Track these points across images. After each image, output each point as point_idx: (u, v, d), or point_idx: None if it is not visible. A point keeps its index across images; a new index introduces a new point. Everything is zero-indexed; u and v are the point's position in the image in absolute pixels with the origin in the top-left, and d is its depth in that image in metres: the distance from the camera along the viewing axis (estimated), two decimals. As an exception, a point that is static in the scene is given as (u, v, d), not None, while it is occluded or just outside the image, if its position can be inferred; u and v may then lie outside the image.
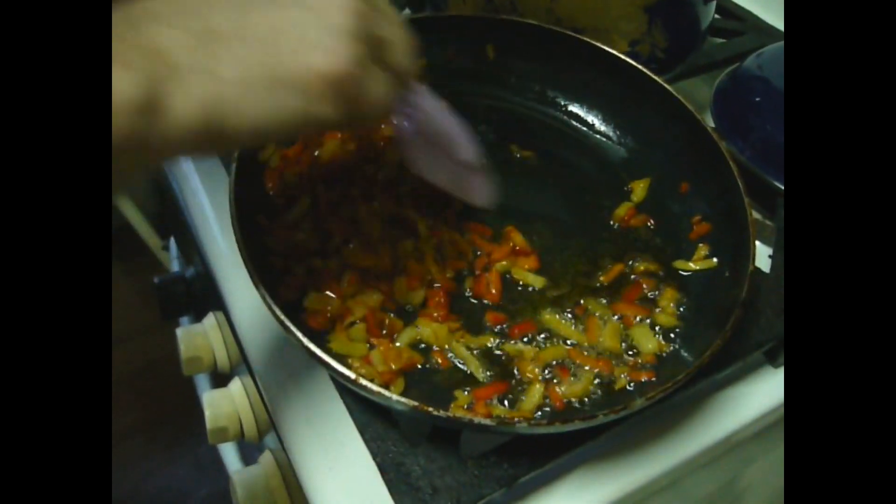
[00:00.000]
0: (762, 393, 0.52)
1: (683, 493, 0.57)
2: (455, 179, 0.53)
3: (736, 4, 0.87)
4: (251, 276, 0.43)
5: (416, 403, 0.38)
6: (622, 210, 0.58)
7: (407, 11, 0.78)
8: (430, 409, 0.38)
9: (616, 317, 0.51)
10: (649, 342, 0.49)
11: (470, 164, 0.52)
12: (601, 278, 0.53)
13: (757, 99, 0.64)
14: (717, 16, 0.81)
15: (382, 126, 0.57)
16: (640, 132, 0.62)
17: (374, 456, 0.42)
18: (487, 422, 0.39)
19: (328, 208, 0.52)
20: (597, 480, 0.46)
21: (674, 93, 0.59)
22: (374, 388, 0.39)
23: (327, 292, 0.48)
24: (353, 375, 0.39)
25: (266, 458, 0.55)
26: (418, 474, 0.41)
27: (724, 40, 0.81)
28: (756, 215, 0.63)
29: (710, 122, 0.65)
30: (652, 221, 0.57)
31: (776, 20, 0.84)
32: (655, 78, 0.59)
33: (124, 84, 0.29)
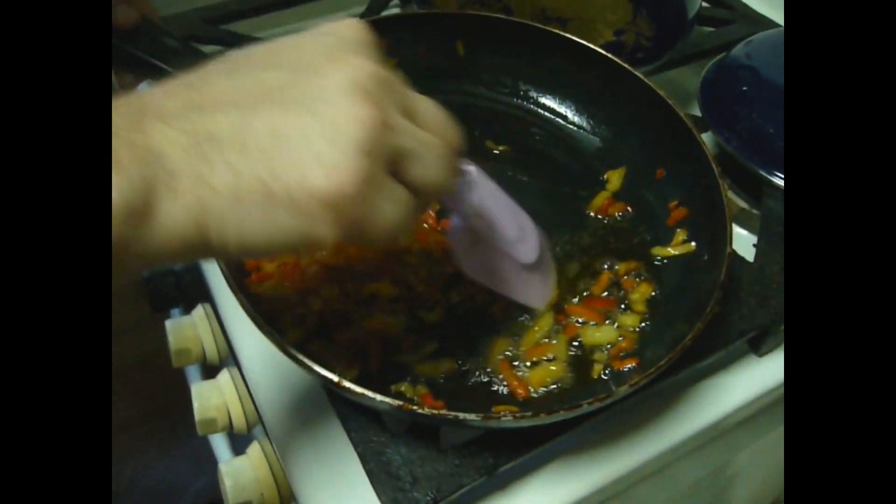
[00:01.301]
0: (745, 382, 0.52)
1: (671, 481, 0.58)
2: (508, 279, 0.48)
3: (725, -7, 0.87)
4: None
5: (399, 403, 0.38)
6: (599, 200, 0.58)
7: (397, 9, 0.78)
8: (415, 407, 0.38)
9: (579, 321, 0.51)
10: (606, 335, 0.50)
11: (527, 265, 0.47)
12: (592, 288, 0.53)
13: (744, 88, 0.64)
14: (705, 4, 0.81)
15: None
16: (613, 121, 0.62)
17: (356, 446, 0.42)
18: (472, 417, 0.38)
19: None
20: (579, 469, 0.46)
21: (645, 80, 0.59)
22: (358, 389, 0.38)
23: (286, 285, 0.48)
24: (335, 378, 0.39)
25: (254, 449, 0.55)
26: (399, 464, 0.41)
27: (712, 29, 0.81)
28: (742, 204, 0.63)
29: (696, 111, 0.65)
30: (629, 209, 0.58)
31: (765, 9, 0.84)
32: (627, 67, 0.59)
33: (117, 191, 0.28)
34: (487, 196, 0.44)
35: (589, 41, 0.60)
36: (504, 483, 0.44)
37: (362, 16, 0.74)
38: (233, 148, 0.30)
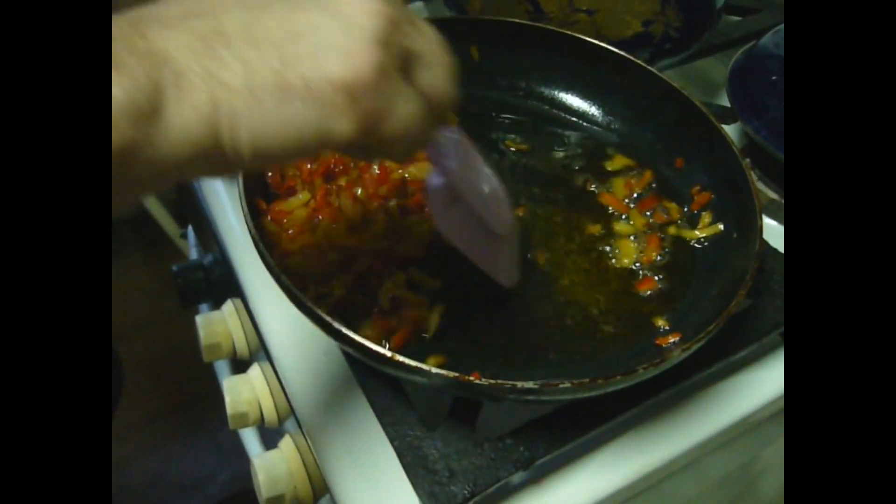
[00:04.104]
0: (777, 375, 0.51)
1: (701, 474, 0.57)
2: (480, 249, 0.48)
3: (752, -19, 0.86)
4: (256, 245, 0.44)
5: (455, 374, 0.37)
6: (618, 186, 0.59)
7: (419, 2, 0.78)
8: (471, 378, 0.38)
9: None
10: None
11: (499, 236, 0.48)
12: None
13: (773, 78, 0.63)
14: (732, -7, 0.80)
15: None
16: (628, 116, 0.63)
17: (392, 440, 0.43)
18: (531, 385, 0.38)
19: (323, 201, 0.52)
20: (613, 462, 0.46)
21: (658, 74, 0.60)
22: (412, 363, 0.38)
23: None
24: (388, 354, 0.38)
25: (286, 443, 0.55)
26: (435, 457, 0.41)
27: (739, 18, 0.80)
28: (772, 195, 0.63)
29: (724, 101, 0.65)
30: (654, 184, 0.59)
31: (793, -3, 0.83)
32: (638, 62, 0.60)
33: (119, 90, 0.27)
34: (469, 160, 0.45)
35: (617, 32, 0.60)
36: (540, 476, 0.44)
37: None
38: (243, 43, 0.29)
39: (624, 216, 0.56)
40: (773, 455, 0.66)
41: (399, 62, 0.32)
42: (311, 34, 0.30)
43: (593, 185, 0.59)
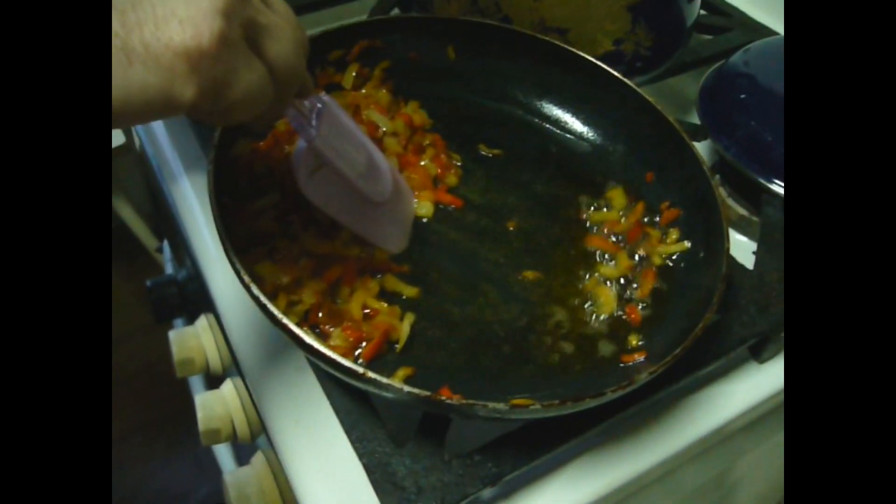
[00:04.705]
0: (747, 388, 0.52)
1: (674, 487, 0.58)
2: (355, 215, 0.48)
3: (723, 1, 0.87)
4: (223, 245, 0.43)
5: (427, 393, 0.38)
6: (598, 216, 0.59)
7: (396, 11, 0.78)
8: (443, 398, 0.38)
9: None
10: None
11: (377, 203, 0.48)
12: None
13: (742, 96, 0.64)
14: (703, 12, 0.81)
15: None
16: (602, 126, 0.63)
17: (361, 456, 0.43)
18: (500, 406, 0.38)
19: (292, 201, 0.52)
20: (582, 477, 0.46)
21: (633, 86, 0.60)
22: (384, 380, 0.38)
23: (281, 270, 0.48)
24: (360, 370, 0.39)
25: (258, 459, 0.55)
26: (403, 474, 0.41)
27: (710, 36, 0.81)
28: (742, 211, 0.63)
29: (695, 119, 0.66)
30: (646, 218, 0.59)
31: (763, 16, 0.84)
32: (615, 73, 0.60)
33: None
34: (339, 127, 0.45)
35: (588, 51, 0.61)
36: (508, 492, 0.45)
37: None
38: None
39: (610, 260, 0.56)
40: (747, 466, 0.67)
41: (244, 32, 0.34)
42: (152, 1, 0.31)
43: (585, 214, 0.58)
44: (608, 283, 0.54)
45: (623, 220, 0.58)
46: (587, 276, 0.54)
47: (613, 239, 0.56)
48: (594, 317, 0.52)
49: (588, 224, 0.58)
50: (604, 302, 0.52)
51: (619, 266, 0.55)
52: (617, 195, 0.59)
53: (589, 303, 0.52)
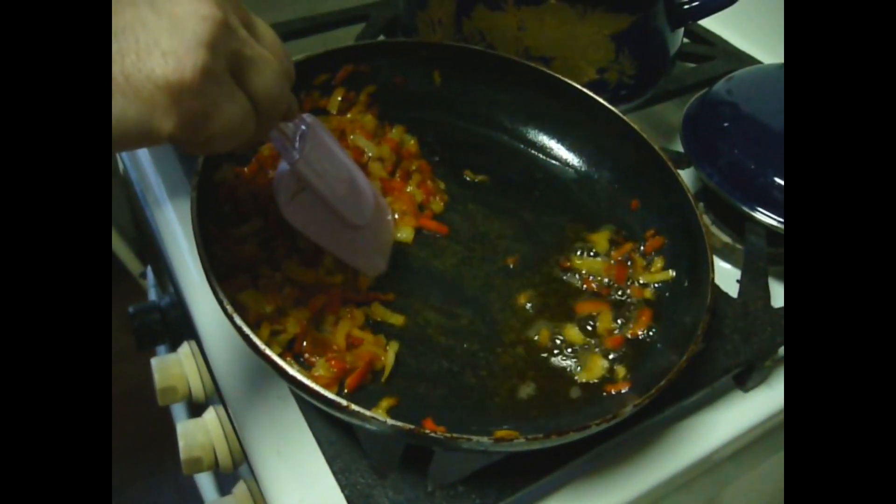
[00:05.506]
0: (732, 417, 0.52)
1: (659, 516, 0.57)
2: (334, 238, 0.48)
3: (706, 29, 0.88)
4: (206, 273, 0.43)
5: (410, 426, 0.37)
6: (583, 263, 0.58)
7: (381, 37, 0.79)
8: (426, 431, 0.38)
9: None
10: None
11: (357, 226, 0.47)
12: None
13: (725, 124, 0.65)
14: (686, 40, 0.82)
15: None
16: (588, 153, 0.64)
17: (343, 488, 0.42)
18: (485, 440, 0.38)
19: (276, 227, 0.52)
20: (567, 508, 0.46)
21: (619, 113, 0.60)
22: (367, 413, 0.38)
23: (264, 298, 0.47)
24: (344, 403, 0.38)
25: (240, 489, 0.54)
26: (386, 506, 0.41)
27: (694, 65, 0.82)
28: (725, 239, 0.64)
29: (679, 147, 0.66)
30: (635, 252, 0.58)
31: (745, 45, 0.85)
32: (600, 100, 0.61)
33: None
34: (321, 150, 0.45)
35: (573, 79, 0.61)
36: (491, 524, 0.44)
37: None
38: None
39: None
40: (732, 494, 0.66)
41: (228, 65, 0.34)
42: (140, 33, 0.31)
43: (567, 263, 0.57)
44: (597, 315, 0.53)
45: (610, 261, 0.57)
46: (574, 305, 0.54)
47: (596, 286, 0.56)
48: (580, 347, 0.52)
49: (574, 274, 0.57)
50: (592, 366, 0.51)
51: (602, 321, 0.53)
52: (601, 239, 0.59)
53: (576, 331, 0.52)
